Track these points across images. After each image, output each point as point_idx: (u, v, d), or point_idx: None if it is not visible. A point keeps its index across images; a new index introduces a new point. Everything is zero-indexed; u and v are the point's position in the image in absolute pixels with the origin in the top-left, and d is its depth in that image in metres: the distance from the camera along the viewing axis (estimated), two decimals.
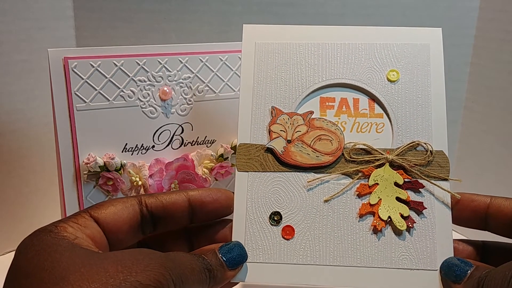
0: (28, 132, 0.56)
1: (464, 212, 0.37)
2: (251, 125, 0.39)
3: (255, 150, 0.39)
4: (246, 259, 0.36)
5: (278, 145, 0.39)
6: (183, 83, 0.49)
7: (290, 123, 0.39)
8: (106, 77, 0.45)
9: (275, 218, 0.37)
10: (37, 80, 0.55)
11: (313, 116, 0.40)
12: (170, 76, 0.48)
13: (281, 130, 0.39)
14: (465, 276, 0.33)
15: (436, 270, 0.36)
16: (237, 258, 0.35)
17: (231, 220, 0.38)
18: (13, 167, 0.56)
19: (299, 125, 0.39)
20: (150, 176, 0.47)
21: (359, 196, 0.38)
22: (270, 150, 0.39)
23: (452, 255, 0.37)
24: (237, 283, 0.36)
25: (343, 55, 0.41)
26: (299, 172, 0.38)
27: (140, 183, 0.47)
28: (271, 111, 0.39)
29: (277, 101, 0.40)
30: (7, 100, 0.54)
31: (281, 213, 0.38)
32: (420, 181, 0.38)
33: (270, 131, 0.39)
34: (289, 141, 0.39)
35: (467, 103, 0.63)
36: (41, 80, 0.55)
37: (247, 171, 0.38)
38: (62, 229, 0.30)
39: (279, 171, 0.38)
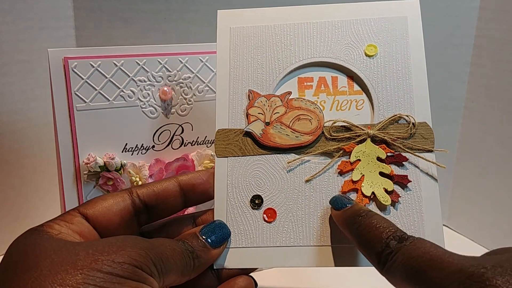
0: (28, 132, 0.56)
1: None
2: (229, 110, 0.39)
3: (233, 135, 0.38)
4: (230, 235, 0.36)
5: (257, 128, 0.38)
6: (183, 83, 0.49)
7: (268, 105, 0.38)
8: (106, 77, 0.45)
9: (256, 202, 0.37)
10: (37, 80, 0.55)
11: (291, 97, 0.39)
12: (170, 76, 0.48)
13: (259, 113, 0.38)
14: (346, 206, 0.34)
15: None
16: (220, 236, 0.35)
17: (190, 216, 0.38)
18: (13, 167, 0.56)
19: (277, 107, 0.38)
20: (150, 176, 0.47)
21: (341, 173, 0.37)
22: (248, 134, 0.38)
23: (441, 228, 0.35)
24: (223, 269, 0.36)
25: (319, 33, 0.40)
26: (279, 153, 0.38)
27: (140, 183, 0.47)
28: (248, 95, 0.39)
29: (254, 84, 0.39)
30: (7, 100, 0.54)
31: (262, 196, 0.37)
32: (404, 154, 0.37)
33: (248, 115, 0.38)
34: (267, 123, 0.38)
35: (467, 103, 0.63)
36: (41, 80, 0.55)
37: (227, 156, 0.38)
38: (48, 227, 0.31)
39: (258, 154, 0.38)
